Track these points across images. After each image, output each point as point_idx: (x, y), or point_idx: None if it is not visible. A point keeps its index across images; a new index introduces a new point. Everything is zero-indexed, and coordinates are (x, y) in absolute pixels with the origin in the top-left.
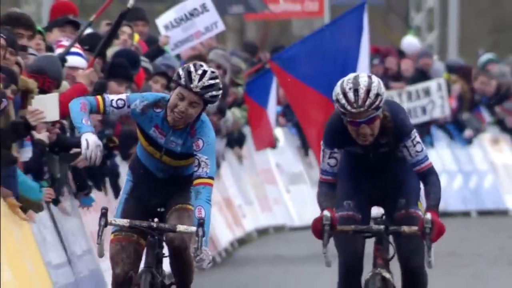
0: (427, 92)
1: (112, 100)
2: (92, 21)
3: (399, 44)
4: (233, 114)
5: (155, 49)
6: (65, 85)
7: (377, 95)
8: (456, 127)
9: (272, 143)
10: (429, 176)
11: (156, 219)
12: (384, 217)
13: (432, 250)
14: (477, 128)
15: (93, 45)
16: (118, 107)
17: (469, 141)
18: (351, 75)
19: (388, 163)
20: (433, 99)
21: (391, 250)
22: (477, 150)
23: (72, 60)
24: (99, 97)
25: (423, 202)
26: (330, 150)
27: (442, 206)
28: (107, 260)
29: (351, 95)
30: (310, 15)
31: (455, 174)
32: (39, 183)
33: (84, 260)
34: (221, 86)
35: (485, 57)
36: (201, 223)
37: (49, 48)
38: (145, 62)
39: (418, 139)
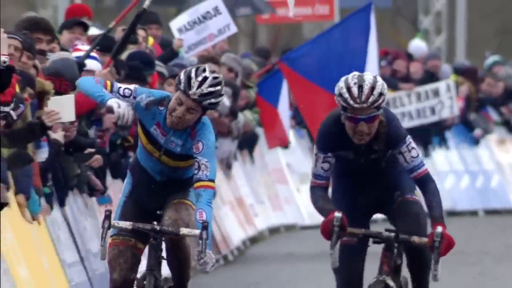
0: (436, 93)
1: (120, 87)
2: (111, 27)
3: (407, 47)
4: (245, 116)
5: (169, 52)
6: None
7: (381, 94)
8: (465, 128)
9: (285, 142)
10: (427, 183)
11: (154, 222)
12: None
13: (439, 264)
14: (484, 128)
15: (104, 45)
16: (124, 95)
17: (476, 142)
18: (356, 73)
19: (378, 169)
20: (442, 100)
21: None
22: (484, 151)
23: (87, 64)
24: (108, 81)
25: (419, 195)
26: (324, 155)
27: (449, 206)
28: None
29: (355, 90)
30: (321, 18)
31: (462, 174)
32: (43, 190)
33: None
34: (222, 92)
35: (492, 59)
36: (205, 226)
37: (64, 51)
38: (159, 66)
39: (413, 144)
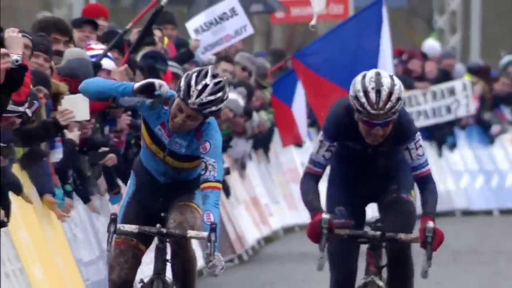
0: (451, 92)
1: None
2: (128, 29)
3: (422, 47)
4: (260, 116)
5: (185, 52)
6: None
7: (398, 99)
8: (479, 127)
9: (299, 140)
10: (428, 183)
11: (158, 225)
12: (378, 222)
13: (431, 261)
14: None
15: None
16: (129, 94)
17: (492, 140)
18: (372, 73)
19: (383, 160)
20: (458, 98)
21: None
22: (499, 150)
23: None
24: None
25: (417, 191)
26: (330, 143)
27: (464, 205)
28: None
29: (373, 95)
30: (335, 17)
31: (477, 174)
32: (63, 188)
33: None
34: (224, 97)
35: (506, 58)
36: (213, 228)
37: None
38: (174, 67)
39: (421, 143)
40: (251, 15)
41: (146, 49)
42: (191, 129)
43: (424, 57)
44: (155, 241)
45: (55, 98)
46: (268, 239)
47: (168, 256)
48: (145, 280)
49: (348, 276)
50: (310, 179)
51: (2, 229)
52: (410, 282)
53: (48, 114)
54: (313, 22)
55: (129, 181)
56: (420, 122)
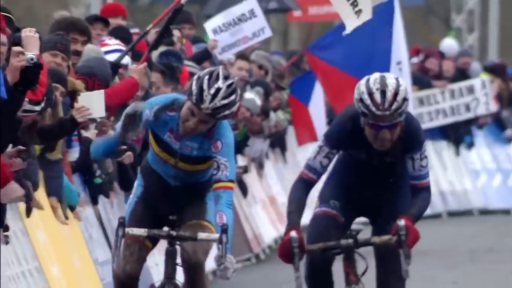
0: (470, 90)
1: (121, 124)
2: (148, 30)
3: (440, 46)
4: (277, 116)
5: (203, 52)
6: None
7: (404, 99)
8: (498, 126)
9: (315, 138)
10: (423, 193)
11: (166, 228)
12: (355, 233)
13: (410, 259)
14: None
15: (123, 38)
16: (133, 127)
17: (509, 140)
18: (376, 75)
19: (389, 175)
20: (477, 97)
21: (363, 264)
22: None
23: (114, 58)
24: (111, 131)
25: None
26: (329, 150)
27: (482, 204)
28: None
29: (377, 96)
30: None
31: (494, 173)
32: (94, 181)
33: None
34: (237, 100)
35: None
36: (224, 229)
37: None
38: (192, 67)
39: (426, 153)
40: (268, 14)
41: (162, 49)
42: (203, 132)
43: (442, 56)
44: (164, 245)
45: (72, 96)
46: None
47: (178, 260)
48: (156, 285)
49: (324, 260)
50: (301, 186)
51: (20, 229)
52: (402, 283)
53: (65, 112)
54: (347, 31)
55: (136, 182)
56: (439, 121)
